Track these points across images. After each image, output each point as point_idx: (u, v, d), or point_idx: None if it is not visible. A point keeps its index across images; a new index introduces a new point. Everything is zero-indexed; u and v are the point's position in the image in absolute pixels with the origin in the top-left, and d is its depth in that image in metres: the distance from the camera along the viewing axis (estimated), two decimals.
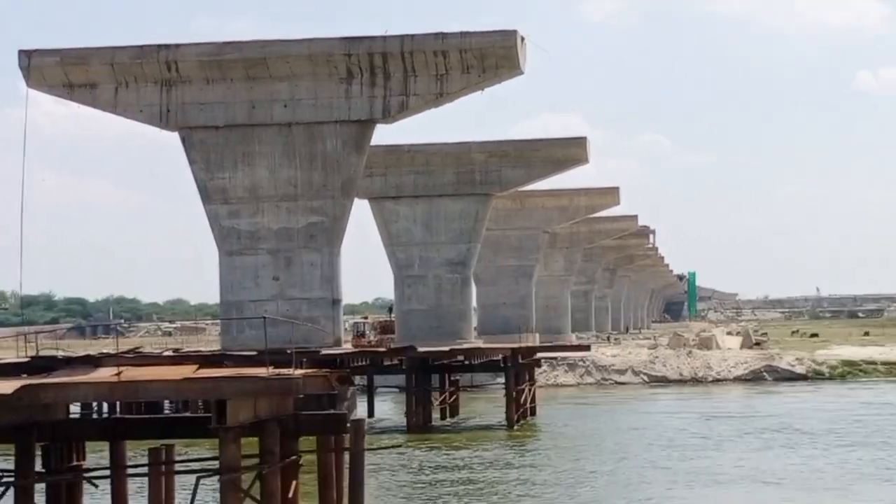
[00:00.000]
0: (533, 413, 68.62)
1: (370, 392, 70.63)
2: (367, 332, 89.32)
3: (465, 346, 73.61)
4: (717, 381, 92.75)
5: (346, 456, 28.37)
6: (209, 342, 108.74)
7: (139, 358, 48.24)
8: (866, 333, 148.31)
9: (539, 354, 74.45)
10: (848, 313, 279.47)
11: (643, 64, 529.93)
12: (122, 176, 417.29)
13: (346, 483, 28.35)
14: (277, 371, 26.51)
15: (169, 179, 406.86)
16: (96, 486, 29.05)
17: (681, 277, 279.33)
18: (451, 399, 70.24)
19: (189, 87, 57.41)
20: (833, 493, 40.62)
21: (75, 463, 27.69)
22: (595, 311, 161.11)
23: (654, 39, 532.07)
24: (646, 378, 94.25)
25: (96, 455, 30.86)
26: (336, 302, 58.53)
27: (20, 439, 26.38)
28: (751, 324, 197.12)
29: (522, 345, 73.74)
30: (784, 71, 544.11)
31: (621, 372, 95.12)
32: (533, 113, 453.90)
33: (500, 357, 66.89)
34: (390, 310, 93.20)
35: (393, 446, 51.10)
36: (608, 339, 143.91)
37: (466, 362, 69.24)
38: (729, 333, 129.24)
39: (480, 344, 78.99)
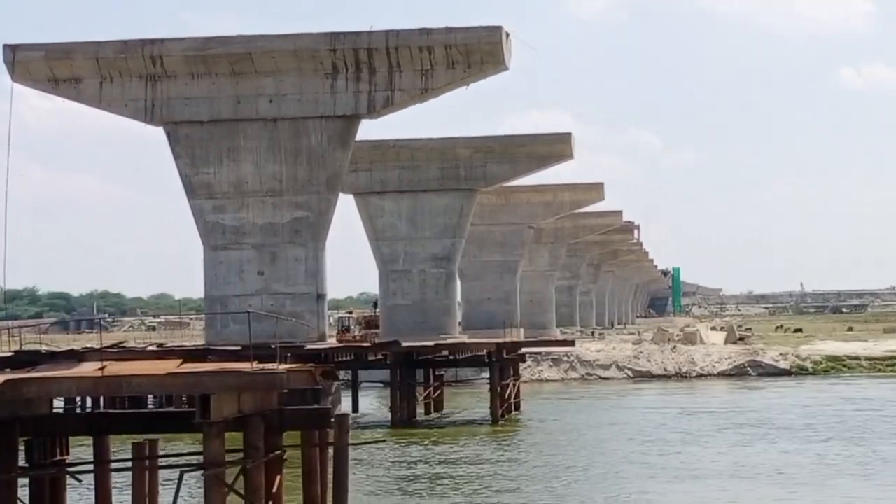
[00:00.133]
0: (517, 408, 68.77)
1: (354, 387, 70.72)
2: (352, 326, 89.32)
3: (450, 341, 73.64)
4: (700, 376, 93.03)
5: (331, 451, 28.44)
6: (193, 337, 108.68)
7: (123, 352, 48.16)
8: (850, 329, 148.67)
9: (523, 349, 74.48)
10: (832, 309, 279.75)
11: (632, 61, 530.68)
12: (107, 170, 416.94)
13: (330, 478, 28.43)
14: (261, 366, 26.53)
15: (154, 174, 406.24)
16: (80, 480, 29.10)
17: (665, 273, 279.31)
18: (436, 394, 70.38)
19: (174, 81, 57.36)
20: (809, 488, 40.80)
21: (59, 458, 27.72)
22: (579, 307, 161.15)
23: (644, 37, 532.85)
24: (630, 373, 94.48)
25: (80, 450, 30.87)
26: (321, 297, 58.54)
27: (3, 434, 26.34)
28: (735, 319, 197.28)
29: (507, 340, 73.91)
30: (771, 68, 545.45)
31: (605, 367, 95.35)
32: (521, 110, 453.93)
33: (484, 352, 67.01)
34: (375, 305, 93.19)
35: (377, 441, 51.24)
36: (592, 334, 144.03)
37: (451, 357, 69.31)
38: (713, 329, 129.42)
39: (465, 339, 79.01)
